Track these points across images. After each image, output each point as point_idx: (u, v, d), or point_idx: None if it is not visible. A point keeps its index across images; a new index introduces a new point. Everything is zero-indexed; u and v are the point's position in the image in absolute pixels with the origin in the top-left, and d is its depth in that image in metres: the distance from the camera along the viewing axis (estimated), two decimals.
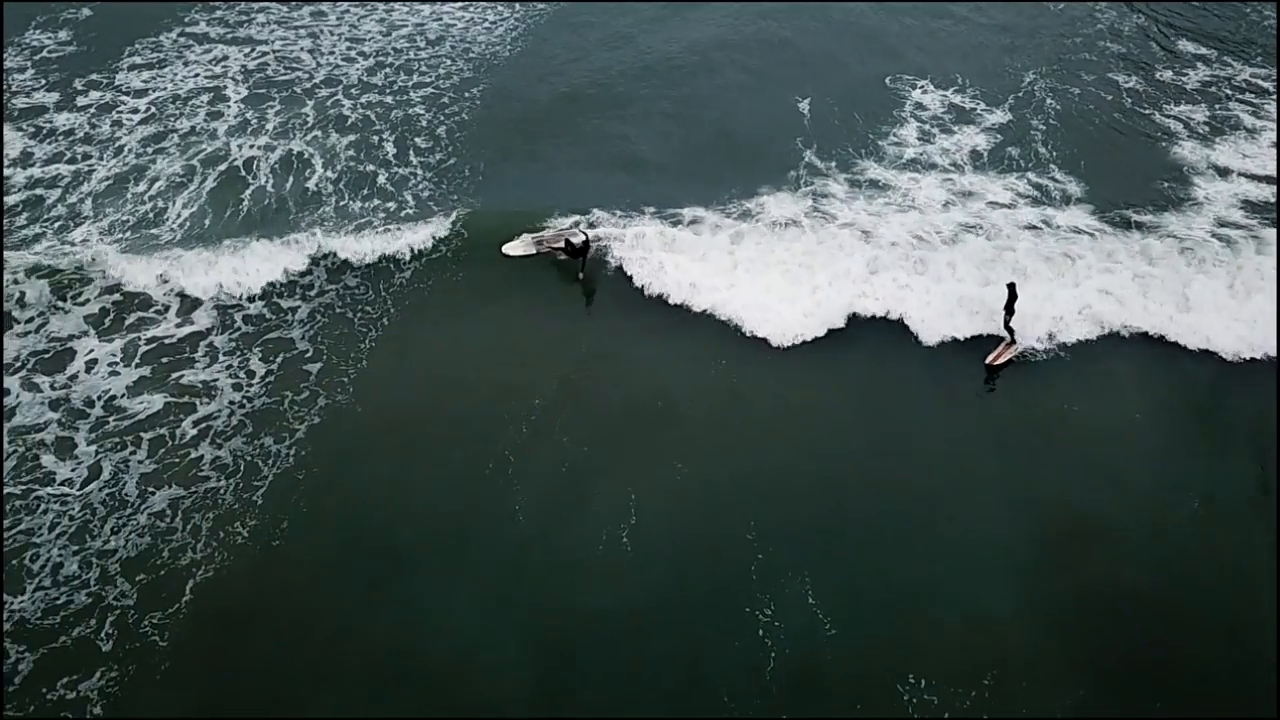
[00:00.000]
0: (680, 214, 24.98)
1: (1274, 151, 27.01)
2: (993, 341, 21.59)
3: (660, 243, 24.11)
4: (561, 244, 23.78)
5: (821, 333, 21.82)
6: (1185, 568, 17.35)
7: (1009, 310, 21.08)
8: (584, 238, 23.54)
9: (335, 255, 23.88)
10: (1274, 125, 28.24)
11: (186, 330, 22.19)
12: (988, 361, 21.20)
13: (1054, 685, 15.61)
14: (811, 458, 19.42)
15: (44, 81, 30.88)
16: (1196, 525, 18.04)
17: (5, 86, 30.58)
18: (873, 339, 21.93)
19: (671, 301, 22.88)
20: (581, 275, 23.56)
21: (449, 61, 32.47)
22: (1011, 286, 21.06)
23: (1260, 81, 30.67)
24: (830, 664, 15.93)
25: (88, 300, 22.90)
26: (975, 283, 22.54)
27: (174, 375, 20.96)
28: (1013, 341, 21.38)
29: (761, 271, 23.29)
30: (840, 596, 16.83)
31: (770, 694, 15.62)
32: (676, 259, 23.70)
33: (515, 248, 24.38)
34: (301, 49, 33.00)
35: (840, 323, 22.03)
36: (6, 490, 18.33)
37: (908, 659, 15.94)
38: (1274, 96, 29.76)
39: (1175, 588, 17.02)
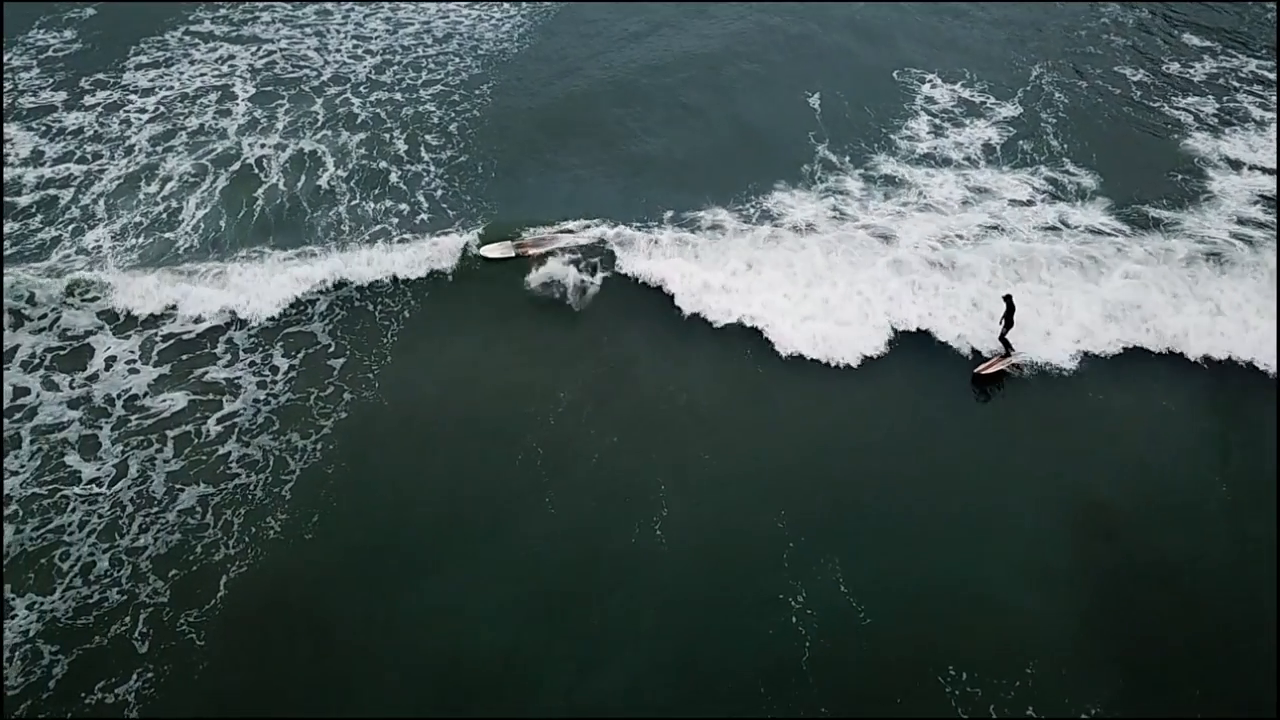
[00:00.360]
0: (699, 216, 24.81)
1: None
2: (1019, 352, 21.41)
3: (678, 250, 23.72)
4: (545, 251, 23.47)
5: (855, 361, 21.20)
6: (1216, 568, 17.40)
7: (1007, 323, 20.93)
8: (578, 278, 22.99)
9: (351, 281, 23.00)
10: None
11: (204, 325, 22.00)
12: (977, 371, 20.91)
13: (1093, 678, 15.65)
14: (838, 457, 19.37)
15: (50, 80, 30.65)
16: (1226, 528, 18.08)
17: (12, 86, 30.34)
18: (902, 348, 21.62)
19: (693, 310, 22.48)
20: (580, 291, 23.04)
21: (457, 59, 32.39)
22: (1008, 299, 20.92)
23: (1266, 73, 30.88)
24: (867, 654, 15.93)
25: (98, 297, 22.65)
26: (1002, 289, 21.97)
27: (195, 372, 20.81)
28: (1008, 354, 21.16)
29: (781, 282, 22.85)
30: (873, 588, 16.83)
31: (807, 684, 15.58)
32: (694, 267, 23.28)
33: (494, 250, 23.84)
34: (308, 47, 32.86)
35: (873, 349, 21.40)
36: (31, 490, 18.18)
37: (946, 650, 15.96)
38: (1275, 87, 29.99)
39: (1206, 586, 17.10)
